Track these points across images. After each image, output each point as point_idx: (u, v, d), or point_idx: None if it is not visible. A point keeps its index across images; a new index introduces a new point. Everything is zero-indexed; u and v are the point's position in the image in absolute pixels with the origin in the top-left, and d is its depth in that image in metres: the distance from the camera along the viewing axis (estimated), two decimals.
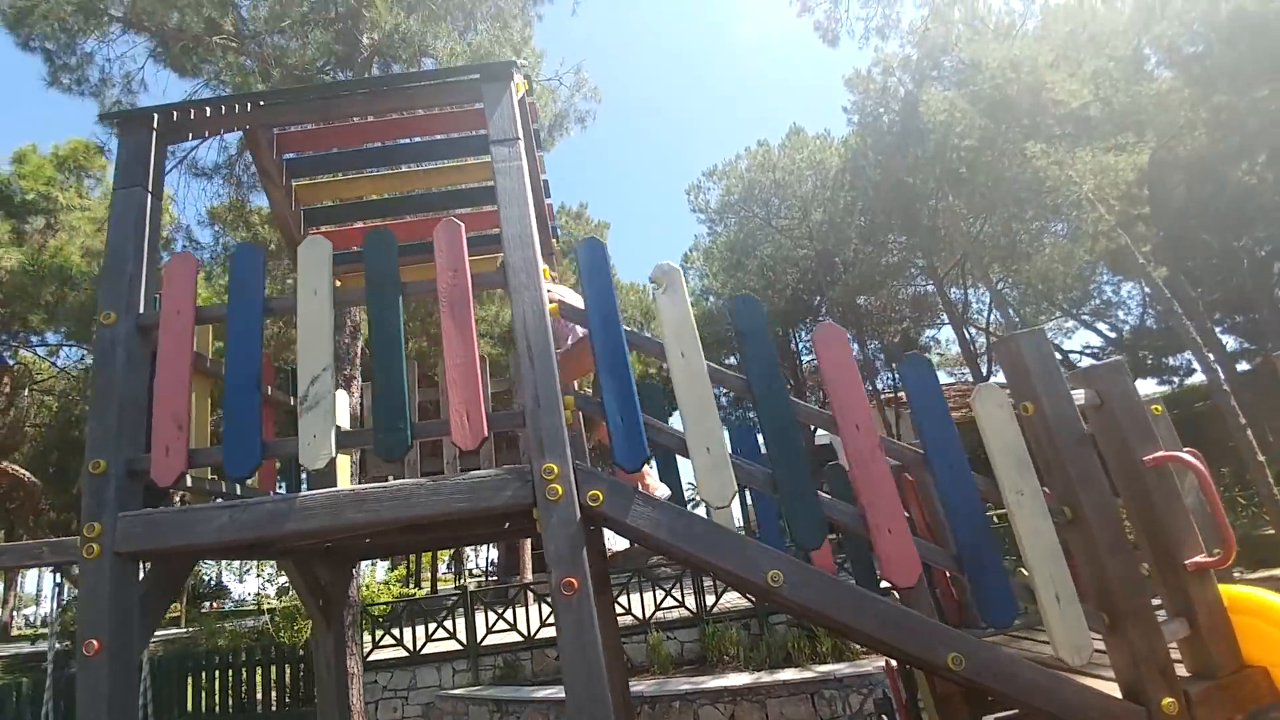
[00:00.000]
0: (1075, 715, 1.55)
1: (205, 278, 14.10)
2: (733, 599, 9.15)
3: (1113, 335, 20.98)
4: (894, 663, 4.02)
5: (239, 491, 2.38)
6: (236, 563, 29.09)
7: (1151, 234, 12.69)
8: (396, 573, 11.40)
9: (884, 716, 4.07)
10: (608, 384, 1.76)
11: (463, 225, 1.92)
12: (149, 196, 2.03)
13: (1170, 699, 1.50)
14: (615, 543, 2.79)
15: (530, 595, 9.76)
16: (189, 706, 8.49)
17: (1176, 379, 18.58)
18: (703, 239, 23.23)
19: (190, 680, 8.63)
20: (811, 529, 1.63)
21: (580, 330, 2.84)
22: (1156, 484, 1.68)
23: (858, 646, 7.96)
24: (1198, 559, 1.61)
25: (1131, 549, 1.62)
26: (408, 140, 3.11)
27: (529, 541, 18.49)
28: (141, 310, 1.90)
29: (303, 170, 3.07)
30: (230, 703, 8.47)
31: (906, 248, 18.98)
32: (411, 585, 15.44)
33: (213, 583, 30.25)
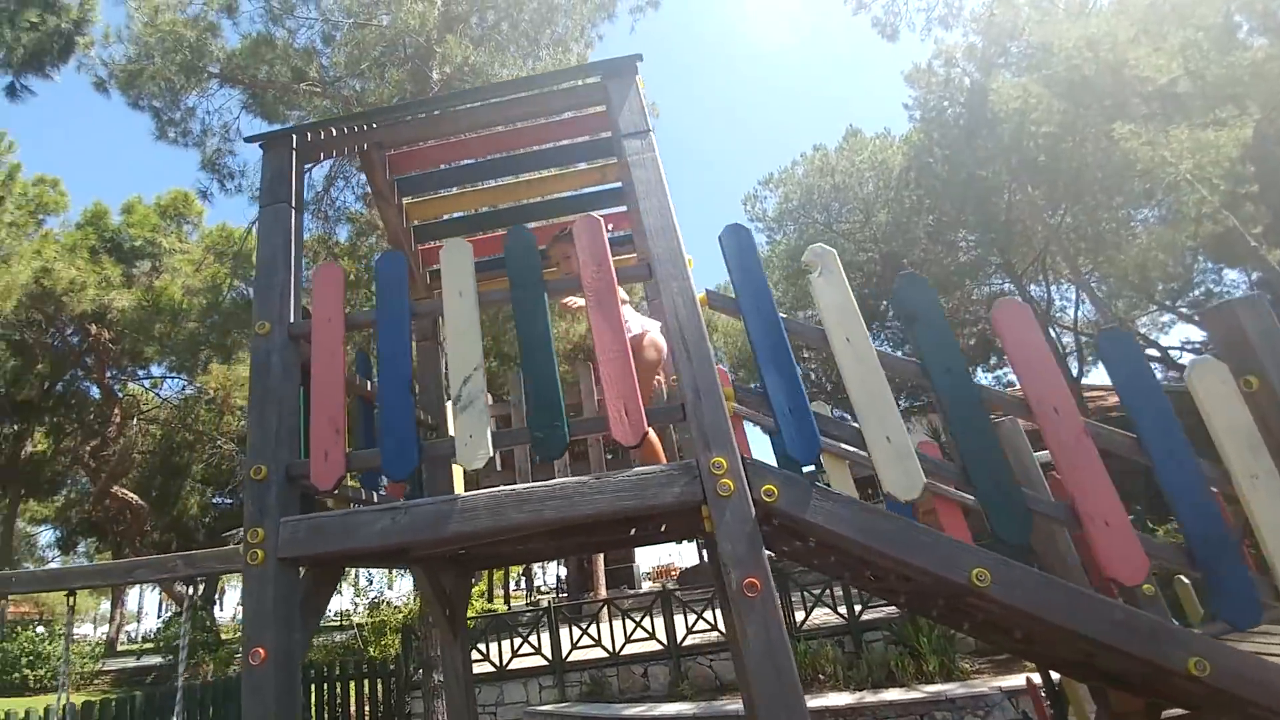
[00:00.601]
0: None
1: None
2: (822, 615, 8.80)
3: None
4: (1037, 680, 3.71)
5: (374, 498, 2.40)
6: None
7: (1262, 214, 11.68)
8: (478, 588, 11.52)
9: None
10: (771, 374, 1.66)
11: (602, 220, 1.88)
12: (292, 211, 2.08)
13: None
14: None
15: (609, 611, 9.70)
16: None
17: None
18: (761, 248, 22.90)
19: None
20: (1017, 523, 1.47)
21: (635, 327, 2.69)
22: None
23: (967, 666, 7.48)
24: None
25: None
26: (510, 154, 3.13)
27: (602, 557, 18.47)
28: (292, 319, 1.94)
29: (413, 189, 3.14)
30: (326, 715, 8.70)
31: (979, 244, 18.19)
32: (487, 600, 15.66)
33: None
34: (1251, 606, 1.40)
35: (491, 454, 1.65)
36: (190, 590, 2.54)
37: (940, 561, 1.46)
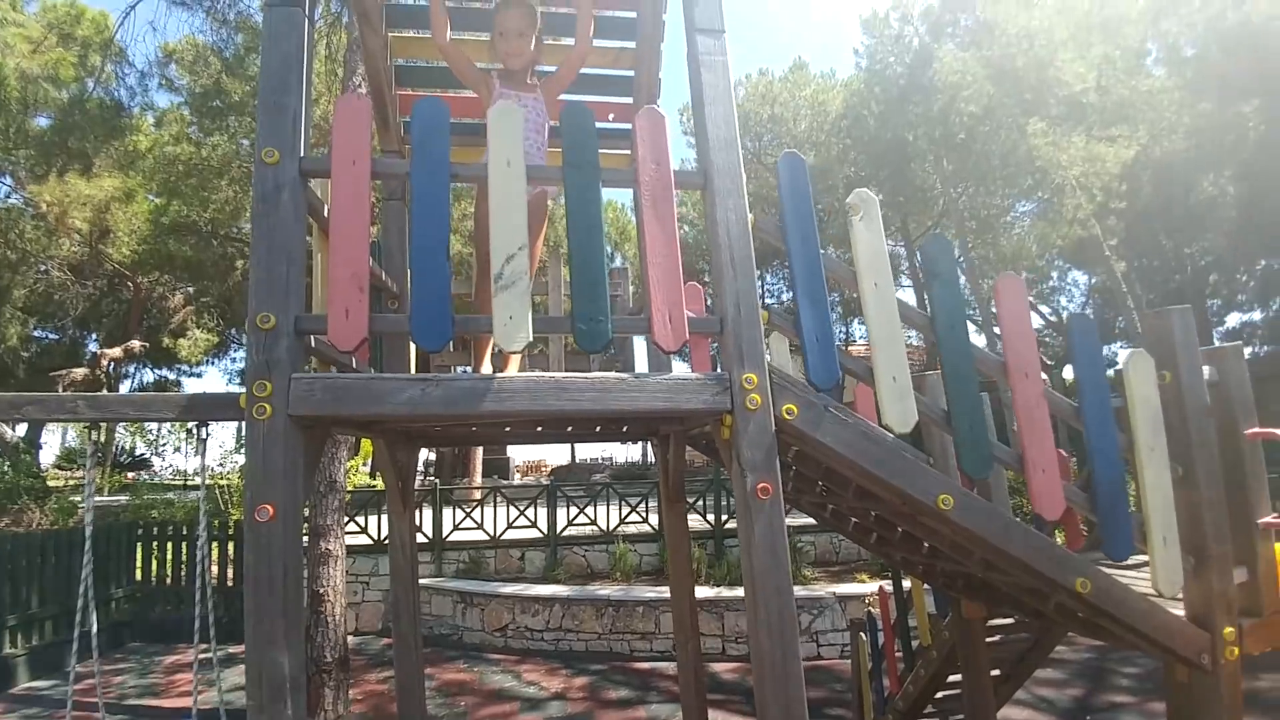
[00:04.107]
0: (1162, 634, 1.79)
1: (158, 121, 12.70)
2: (693, 521, 9.63)
3: (1053, 319, 22.34)
4: (888, 587, 4.42)
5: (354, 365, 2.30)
6: (154, 434, 27.83)
7: (1119, 229, 13.37)
8: (353, 463, 11.28)
9: (861, 634, 4.50)
10: (806, 304, 1.78)
11: (665, 115, 1.84)
12: (305, 19, 1.82)
13: (1230, 628, 1.78)
14: None
15: (495, 497, 9.96)
16: (139, 575, 8.40)
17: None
18: (689, 164, 22.66)
19: (140, 548, 8.50)
20: (981, 462, 1.76)
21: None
22: (1250, 454, 1.89)
23: (808, 573, 8.63)
24: (1269, 519, 1.86)
25: (1226, 506, 1.84)
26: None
27: (480, 449, 18.61)
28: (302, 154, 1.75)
29: (403, 20, 2.81)
30: (184, 574, 8.41)
31: (886, 205, 19.23)
32: (370, 476, 15.41)
33: (125, 452, 29.04)
34: (1128, 545, 1.81)
35: (531, 337, 1.66)
36: (94, 436, 2.35)
37: (917, 486, 1.72)
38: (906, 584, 4.15)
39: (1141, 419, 1.86)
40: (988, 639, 3.30)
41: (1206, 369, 1.95)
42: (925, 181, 16.51)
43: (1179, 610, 1.86)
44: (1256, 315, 17.72)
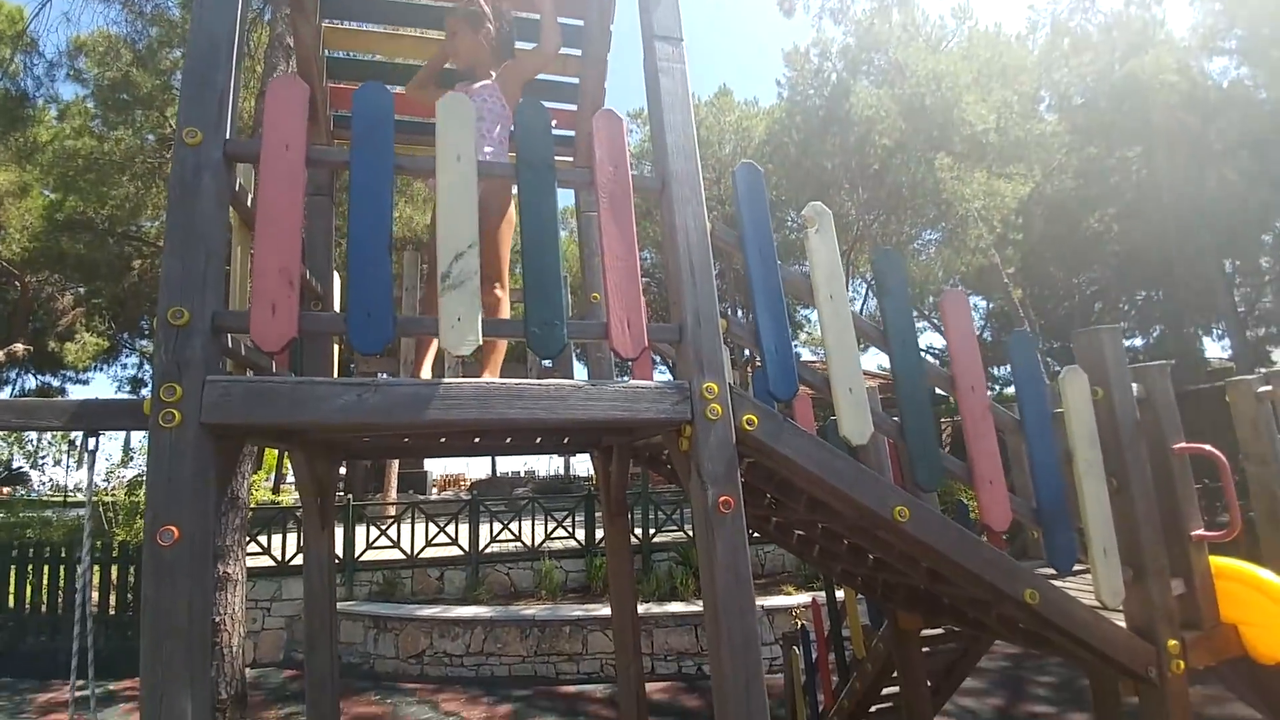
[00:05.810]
0: (1108, 646, 1.87)
1: (61, 114, 11.63)
2: None
3: None
4: (820, 598, 4.49)
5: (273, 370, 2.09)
6: (33, 445, 24.96)
7: (1015, 259, 14.53)
8: (258, 476, 10.45)
9: (794, 648, 4.53)
10: (764, 316, 1.76)
11: (624, 118, 1.78)
12: None
13: (1175, 640, 1.87)
14: None
15: (411, 514, 9.46)
16: (11, 603, 7.43)
17: (996, 387, 21.52)
18: None
19: (14, 572, 7.54)
20: (933, 473, 1.79)
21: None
22: (1178, 468, 2.02)
23: None
24: (1201, 531, 1.98)
25: (1159, 518, 1.95)
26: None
27: (396, 461, 17.73)
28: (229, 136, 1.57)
29: (338, 11, 2.63)
30: (61, 601, 7.49)
31: (803, 228, 20.08)
32: (272, 491, 14.30)
33: (3, 465, 25.87)
34: (1071, 558, 1.88)
35: (480, 342, 1.54)
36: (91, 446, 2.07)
37: (874, 498, 1.72)
38: (838, 595, 4.23)
39: (1078, 433, 1.94)
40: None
41: (1135, 386, 2.08)
42: (841, 208, 17.30)
43: (1122, 622, 1.93)
44: (1138, 342, 19.78)
